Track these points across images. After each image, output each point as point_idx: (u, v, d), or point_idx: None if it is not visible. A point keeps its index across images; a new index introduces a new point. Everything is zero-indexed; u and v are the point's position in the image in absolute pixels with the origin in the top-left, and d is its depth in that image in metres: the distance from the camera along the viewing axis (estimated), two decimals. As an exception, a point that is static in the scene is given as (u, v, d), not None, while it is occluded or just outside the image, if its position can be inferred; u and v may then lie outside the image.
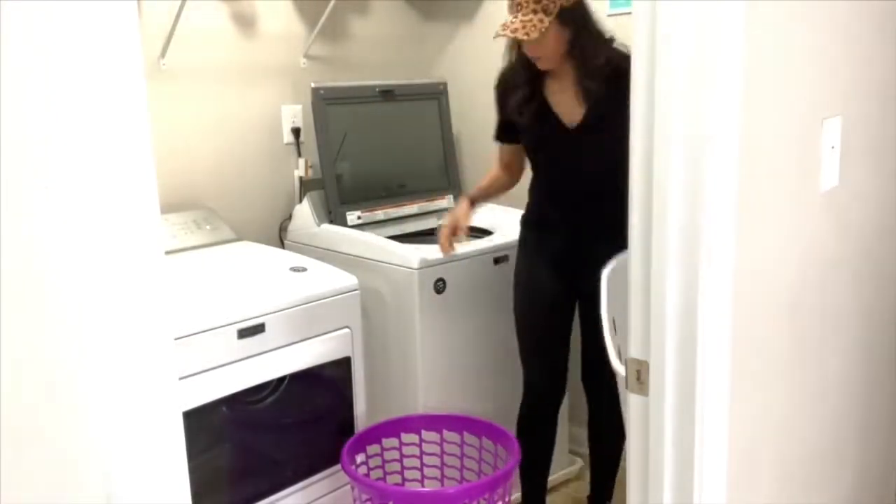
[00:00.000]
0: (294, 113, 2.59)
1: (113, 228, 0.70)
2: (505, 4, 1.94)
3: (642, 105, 1.11)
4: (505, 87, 2.06)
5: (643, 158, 1.12)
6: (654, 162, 1.10)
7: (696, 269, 1.10)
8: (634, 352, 1.19)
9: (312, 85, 2.39)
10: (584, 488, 2.43)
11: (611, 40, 1.97)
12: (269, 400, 1.91)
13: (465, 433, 2.14)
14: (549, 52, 1.92)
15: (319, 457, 2.04)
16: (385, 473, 2.14)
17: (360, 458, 2.06)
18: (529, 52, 1.93)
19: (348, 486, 2.04)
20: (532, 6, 1.85)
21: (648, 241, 1.14)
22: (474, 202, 2.19)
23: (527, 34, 1.84)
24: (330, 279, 2.03)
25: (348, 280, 2.04)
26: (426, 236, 2.40)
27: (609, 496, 2.33)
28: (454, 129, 2.69)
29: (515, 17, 1.86)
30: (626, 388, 1.22)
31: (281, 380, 1.91)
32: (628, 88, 1.33)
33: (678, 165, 1.09)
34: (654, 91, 1.08)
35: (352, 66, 2.71)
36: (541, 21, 1.84)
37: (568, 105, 1.97)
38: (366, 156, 2.50)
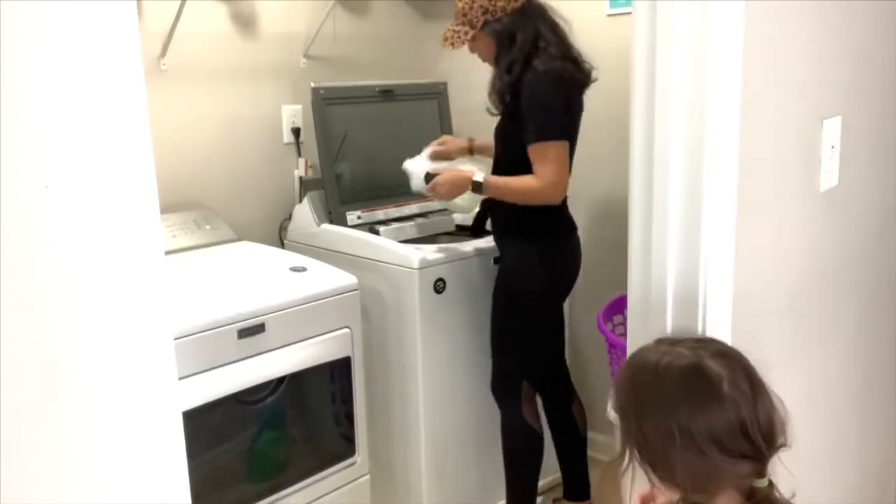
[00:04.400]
0: (294, 113, 2.59)
1: (113, 228, 0.70)
2: (505, 3, 1.97)
3: (642, 105, 1.11)
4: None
5: (643, 159, 1.12)
6: (653, 162, 1.11)
7: (696, 269, 1.10)
8: (634, 352, 1.19)
9: (312, 85, 2.39)
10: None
11: (541, 55, 1.95)
12: (269, 400, 1.91)
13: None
14: (483, 56, 2.07)
15: (319, 457, 2.04)
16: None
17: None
18: (469, 49, 2.07)
19: (346, 488, 2.06)
20: (461, 18, 2.02)
21: (648, 241, 1.14)
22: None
23: (451, 44, 2.03)
24: (330, 279, 2.03)
25: (348, 280, 2.04)
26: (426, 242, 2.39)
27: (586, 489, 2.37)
28: (454, 129, 2.69)
29: (452, 25, 2.04)
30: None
31: (281, 380, 1.91)
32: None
33: (678, 165, 1.09)
34: (654, 91, 1.09)
35: (352, 66, 2.71)
36: (465, 33, 2.01)
37: None
38: (366, 156, 2.49)
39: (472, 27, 2.01)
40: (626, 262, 1.20)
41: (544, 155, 1.95)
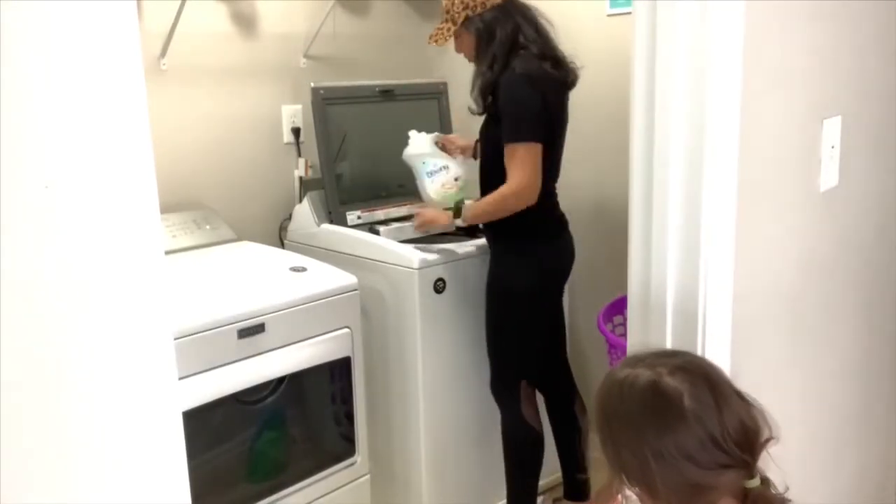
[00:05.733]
0: (294, 113, 2.59)
1: (113, 228, 0.70)
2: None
3: (642, 105, 1.11)
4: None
5: (643, 158, 1.12)
6: (653, 162, 1.11)
7: (696, 269, 1.10)
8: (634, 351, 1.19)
9: (312, 85, 2.39)
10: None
11: (520, 55, 1.97)
12: (269, 400, 1.91)
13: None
14: (467, 55, 2.09)
15: (319, 457, 2.04)
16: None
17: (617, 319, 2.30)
18: (455, 49, 2.11)
19: (346, 488, 2.06)
20: (444, 15, 2.05)
21: (648, 241, 1.14)
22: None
23: (436, 41, 2.07)
24: (330, 279, 2.03)
25: (348, 280, 2.04)
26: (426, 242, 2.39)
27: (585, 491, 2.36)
28: (454, 130, 2.69)
29: (438, 23, 2.07)
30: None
31: (281, 380, 1.91)
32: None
33: (678, 165, 1.09)
34: (654, 91, 1.09)
35: (352, 66, 2.71)
36: (448, 30, 2.04)
37: None
38: (366, 156, 2.49)
39: (454, 23, 2.03)
40: (626, 262, 1.20)
41: (514, 156, 1.94)
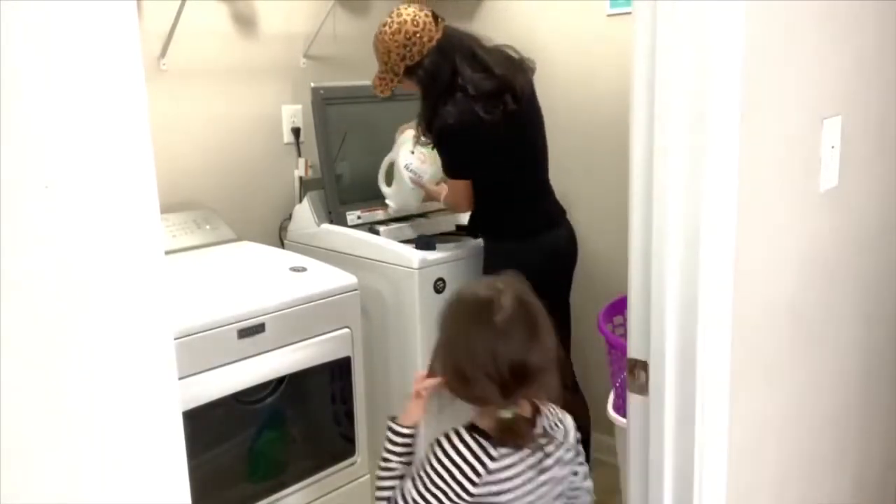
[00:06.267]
0: (294, 113, 2.59)
1: (113, 228, 0.70)
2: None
3: (642, 105, 1.11)
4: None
5: (643, 160, 1.12)
6: (653, 162, 1.10)
7: (696, 269, 1.10)
8: (634, 352, 1.19)
9: (312, 85, 2.39)
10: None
11: (464, 91, 2.02)
12: (269, 400, 1.91)
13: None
14: (414, 92, 2.14)
15: (319, 457, 2.04)
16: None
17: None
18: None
19: (346, 488, 2.06)
20: (382, 66, 2.10)
21: (648, 242, 1.14)
22: None
23: (381, 91, 2.14)
24: (330, 279, 2.03)
25: (348, 280, 2.04)
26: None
27: None
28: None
29: (378, 71, 2.12)
30: (627, 388, 1.22)
31: (281, 380, 1.91)
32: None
33: (678, 166, 1.09)
34: (654, 91, 1.08)
35: (352, 66, 2.71)
36: (391, 80, 2.11)
37: None
38: (366, 156, 2.49)
39: (396, 74, 2.08)
40: (626, 262, 1.20)
41: (448, 182, 2.22)
